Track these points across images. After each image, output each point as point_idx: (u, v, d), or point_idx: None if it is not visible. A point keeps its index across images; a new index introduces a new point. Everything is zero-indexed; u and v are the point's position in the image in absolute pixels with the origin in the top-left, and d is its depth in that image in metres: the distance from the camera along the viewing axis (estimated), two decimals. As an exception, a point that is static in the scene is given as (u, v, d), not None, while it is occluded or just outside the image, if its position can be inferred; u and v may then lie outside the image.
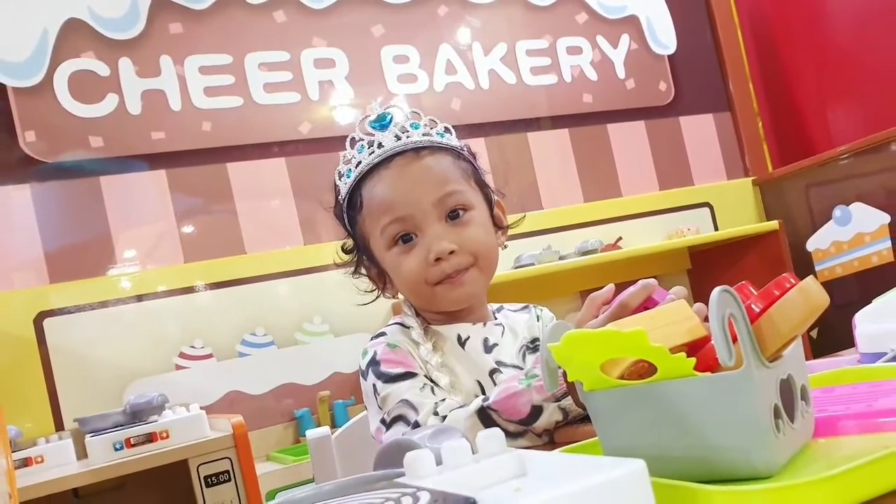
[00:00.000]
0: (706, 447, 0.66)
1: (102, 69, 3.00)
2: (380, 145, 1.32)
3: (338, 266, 1.47)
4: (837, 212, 3.65)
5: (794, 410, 0.68)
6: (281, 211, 3.20)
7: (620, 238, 3.62)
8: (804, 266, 3.73)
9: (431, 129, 1.35)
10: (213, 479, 2.26)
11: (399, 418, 1.22)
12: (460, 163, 1.36)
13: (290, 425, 3.05)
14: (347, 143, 1.35)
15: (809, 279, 0.70)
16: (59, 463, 2.37)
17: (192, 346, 2.96)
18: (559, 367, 0.75)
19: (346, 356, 3.13)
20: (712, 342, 0.63)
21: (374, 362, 1.30)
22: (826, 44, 4.01)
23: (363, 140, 1.34)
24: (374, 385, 1.29)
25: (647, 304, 0.98)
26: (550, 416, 1.11)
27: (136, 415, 2.39)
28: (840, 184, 3.66)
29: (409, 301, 1.40)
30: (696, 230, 3.72)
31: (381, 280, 1.42)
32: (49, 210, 2.88)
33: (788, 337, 0.68)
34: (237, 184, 3.14)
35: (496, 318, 1.42)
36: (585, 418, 1.10)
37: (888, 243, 3.48)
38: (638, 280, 1.00)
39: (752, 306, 0.69)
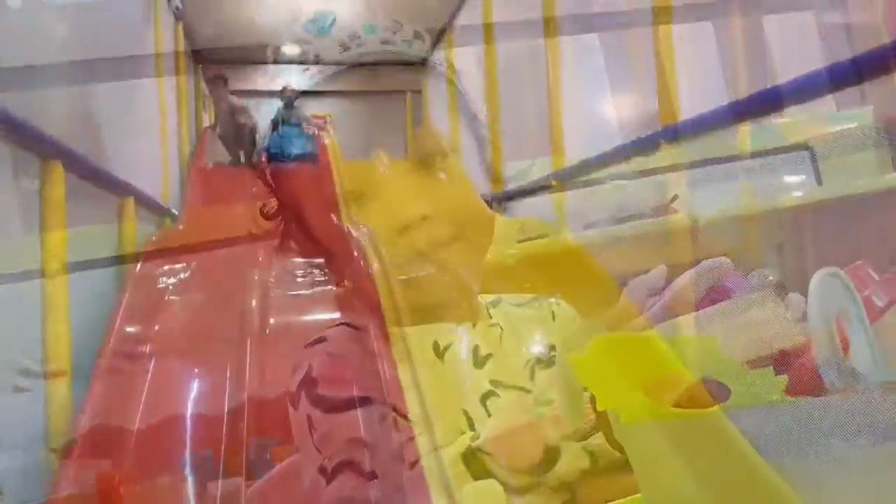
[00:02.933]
0: (803, 508, 0.66)
1: None
2: (317, 59, 1.31)
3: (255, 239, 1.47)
4: None
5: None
6: None
7: (676, 197, 3.63)
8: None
9: (395, 33, 1.35)
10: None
11: (346, 466, 1.22)
12: (436, 87, 1.36)
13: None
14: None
15: (959, 258, 0.70)
16: None
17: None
18: (584, 389, 0.76)
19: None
20: (812, 352, 0.63)
21: (309, 381, 1.30)
22: None
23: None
24: (308, 416, 1.28)
25: (716, 295, 0.99)
26: (572, 461, 1.11)
27: None
28: None
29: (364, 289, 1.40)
30: (786, 185, 3.73)
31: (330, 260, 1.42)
32: None
33: (927, 344, 0.69)
34: None
35: (491, 317, 1.42)
36: (623, 465, 1.10)
37: None
38: (703, 260, 1.00)
39: (874, 298, 0.69)
